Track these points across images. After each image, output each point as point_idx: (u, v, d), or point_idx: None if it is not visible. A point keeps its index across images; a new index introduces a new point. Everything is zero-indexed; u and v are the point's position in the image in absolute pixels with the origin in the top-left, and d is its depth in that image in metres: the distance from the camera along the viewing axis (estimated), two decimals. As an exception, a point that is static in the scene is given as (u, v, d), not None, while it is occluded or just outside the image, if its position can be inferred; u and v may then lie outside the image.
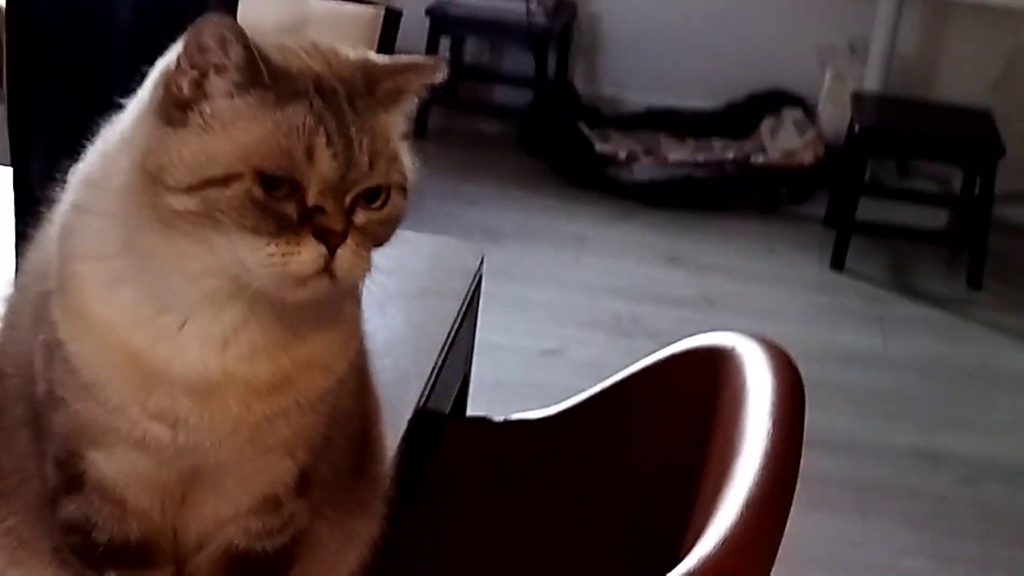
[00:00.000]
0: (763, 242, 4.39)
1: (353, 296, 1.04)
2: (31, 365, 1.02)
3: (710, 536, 1.23)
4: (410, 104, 0.98)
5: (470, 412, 1.88)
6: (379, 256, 1.75)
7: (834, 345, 3.83)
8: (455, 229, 4.19)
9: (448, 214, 4.34)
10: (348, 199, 0.93)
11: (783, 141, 4.69)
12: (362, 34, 1.20)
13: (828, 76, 4.74)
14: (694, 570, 1.18)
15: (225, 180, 0.90)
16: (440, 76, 0.98)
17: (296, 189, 0.91)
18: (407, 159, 0.98)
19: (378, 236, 0.96)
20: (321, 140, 0.91)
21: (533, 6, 4.78)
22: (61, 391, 0.98)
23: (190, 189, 0.91)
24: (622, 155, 4.58)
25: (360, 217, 0.94)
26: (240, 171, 0.91)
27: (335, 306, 1.01)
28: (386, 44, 1.46)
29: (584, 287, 4.01)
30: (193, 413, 0.97)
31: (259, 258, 0.91)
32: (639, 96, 5.00)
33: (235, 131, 0.91)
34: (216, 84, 0.92)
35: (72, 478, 1.01)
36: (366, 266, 0.95)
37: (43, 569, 1.08)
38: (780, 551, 3.05)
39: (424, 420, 1.54)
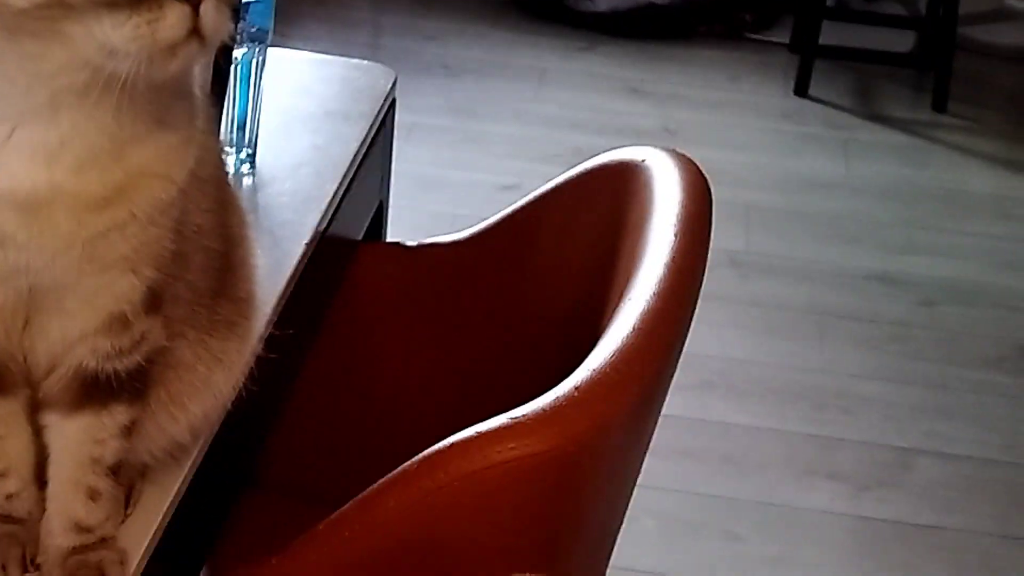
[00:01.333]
0: (727, 70, 4.32)
1: (188, 99, 0.99)
2: None
3: (602, 347, 1.20)
4: None
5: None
6: (288, 79, 1.71)
7: (796, 172, 3.78)
8: (412, 66, 4.11)
9: (406, 50, 4.26)
10: None
11: (748, -34, 4.59)
12: None
13: (793, -103, 4.62)
14: (582, 381, 1.15)
15: None
16: None
17: None
18: None
19: None
20: None
21: None
22: None
23: None
24: (583, -15, 4.48)
25: None
26: None
27: (169, 107, 0.96)
28: None
29: (544, 121, 3.95)
30: (21, 230, 0.92)
31: (125, 34, 0.86)
32: (601, -76, 4.88)
33: None
34: None
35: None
36: (229, 24, 0.91)
37: None
38: (736, 375, 3.06)
39: (329, 244, 1.51)
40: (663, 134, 3.91)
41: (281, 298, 1.35)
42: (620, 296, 1.31)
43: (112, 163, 0.93)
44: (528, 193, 3.72)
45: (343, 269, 1.63)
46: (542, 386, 1.49)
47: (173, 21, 0.87)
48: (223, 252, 1.10)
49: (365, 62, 1.82)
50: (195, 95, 1.00)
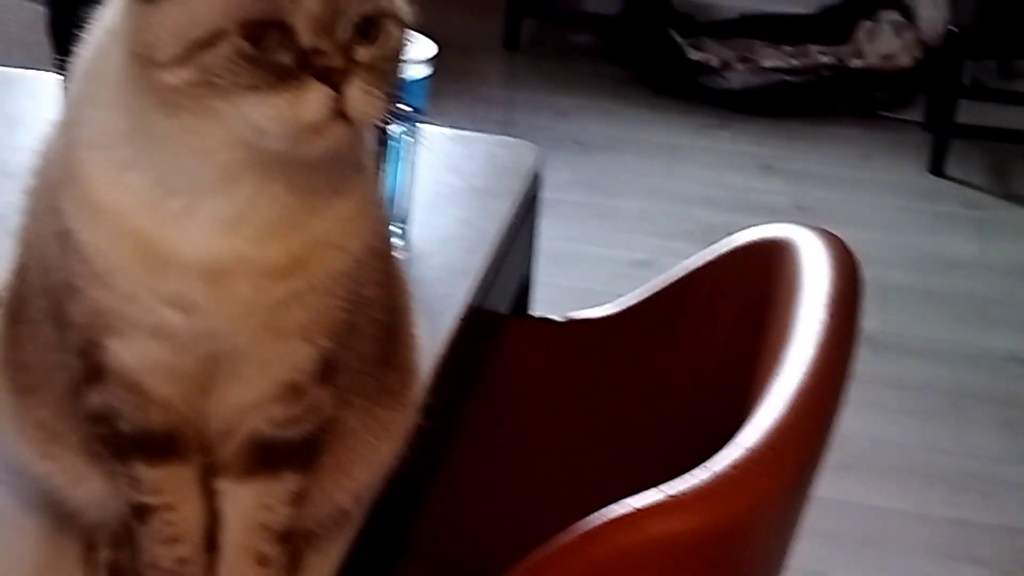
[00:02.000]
0: (860, 148, 4.31)
1: (362, 170, 1.02)
2: (50, 255, 1.02)
3: (755, 424, 1.20)
4: None
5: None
6: (435, 155, 1.74)
7: (932, 251, 3.75)
8: (545, 142, 4.13)
9: (538, 127, 4.31)
10: (342, 34, 0.90)
11: (881, 44, 4.58)
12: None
13: (927, -24, 4.61)
14: (738, 458, 1.15)
15: (211, 40, 0.89)
16: None
17: (286, 35, 0.89)
18: (400, 4, 0.96)
19: (386, 74, 0.93)
20: None
21: (624, -86, 4.70)
22: (76, 280, 0.98)
23: (181, 59, 0.89)
24: (715, 62, 4.50)
25: (362, 54, 0.91)
26: (224, 27, 0.89)
27: (345, 178, 0.99)
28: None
29: (676, 198, 3.96)
30: (205, 297, 0.96)
31: (267, 114, 0.89)
32: (733, 2, 4.90)
33: None
34: None
35: (93, 368, 1.01)
36: (380, 106, 0.92)
37: (73, 460, 1.09)
38: (874, 456, 3.02)
39: (477, 318, 1.53)
40: (796, 211, 3.90)
41: (435, 370, 1.37)
42: (768, 374, 1.32)
43: (291, 233, 0.96)
44: (661, 270, 3.74)
45: (492, 342, 1.65)
46: (687, 461, 1.50)
47: (314, 103, 0.89)
48: (389, 323, 1.12)
49: (510, 139, 1.85)
50: (368, 167, 1.03)
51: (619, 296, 3.59)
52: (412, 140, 1.55)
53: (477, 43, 4.85)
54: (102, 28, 0.98)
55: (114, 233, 0.95)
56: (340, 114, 0.89)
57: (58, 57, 1.47)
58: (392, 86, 0.94)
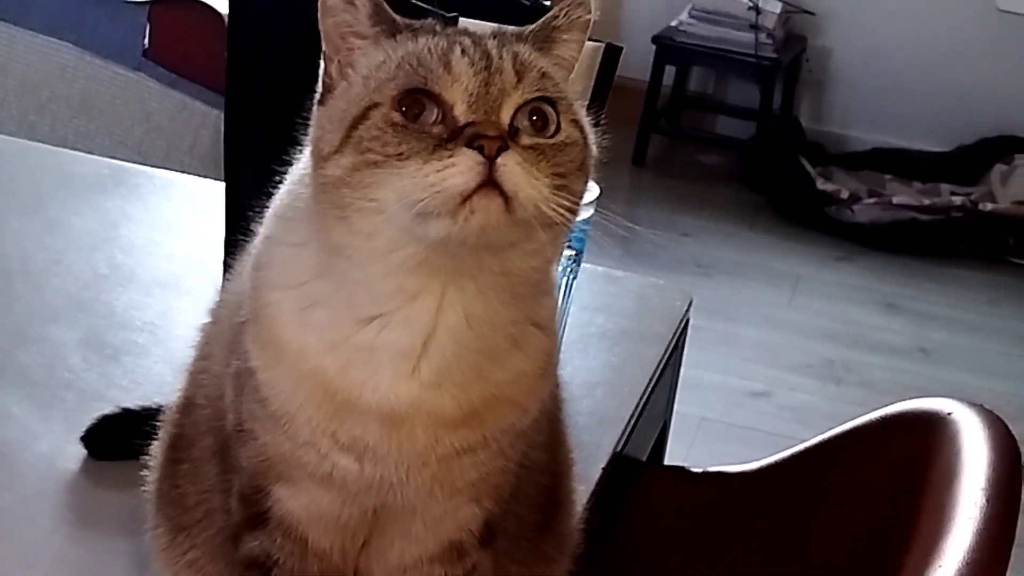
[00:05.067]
0: (987, 293, 4.24)
1: (549, 332, 1.00)
2: (222, 397, 1.01)
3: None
4: (565, 49, 0.96)
5: (672, 449, 1.83)
6: (584, 294, 1.73)
7: (1056, 406, 3.66)
8: (667, 261, 4.14)
9: (661, 245, 4.29)
10: (504, 114, 0.89)
11: (1014, 189, 4.52)
12: (579, 69, 1.18)
13: (1066, 124, 4.56)
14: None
15: (365, 113, 0.89)
16: (586, 11, 0.96)
17: (443, 111, 0.89)
18: (583, 115, 0.95)
19: (556, 165, 0.90)
20: (456, 51, 0.90)
21: (762, 38, 4.70)
22: (250, 423, 0.97)
23: (341, 143, 0.89)
24: (844, 194, 4.47)
25: (526, 139, 0.89)
26: (378, 101, 0.90)
27: (528, 333, 0.97)
28: (604, 79, 1.42)
29: (796, 329, 3.92)
30: (381, 442, 0.94)
31: (419, 183, 0.86)
32: (865, 135, 4.88)
33: (372, 74, 0.91)
34: (354, 46, 0.92)
35: (256, 514, 1.00)
36: (541, 188, 0.88)
37: (221, 602, 1.07)
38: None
39: (620, 466, 1.51)
40: (917, 353, 3.84)
41: (580, 521, 1.34)
42: (921, 558, 1.28)
43: (470, 381, 0.95)
44: (777, 402, 3.66)
45: (629, 491, 1.62)
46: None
47: (463, 167, 0.86)
48: (551, 488, 1.10)
49: (660, 281, 1.83)
50: (553, 330, 1.00)
51: (735, 427, 3.51)
52: (569, 282, 1.54)
53: (603, 155, 4.85)
54: (295, 174, 0.98)
55: (296, 374, 0.94)
56: (492, 185, 0.86)
57: (228, 173, 1.49)
58: (564, 181, 0.90)
